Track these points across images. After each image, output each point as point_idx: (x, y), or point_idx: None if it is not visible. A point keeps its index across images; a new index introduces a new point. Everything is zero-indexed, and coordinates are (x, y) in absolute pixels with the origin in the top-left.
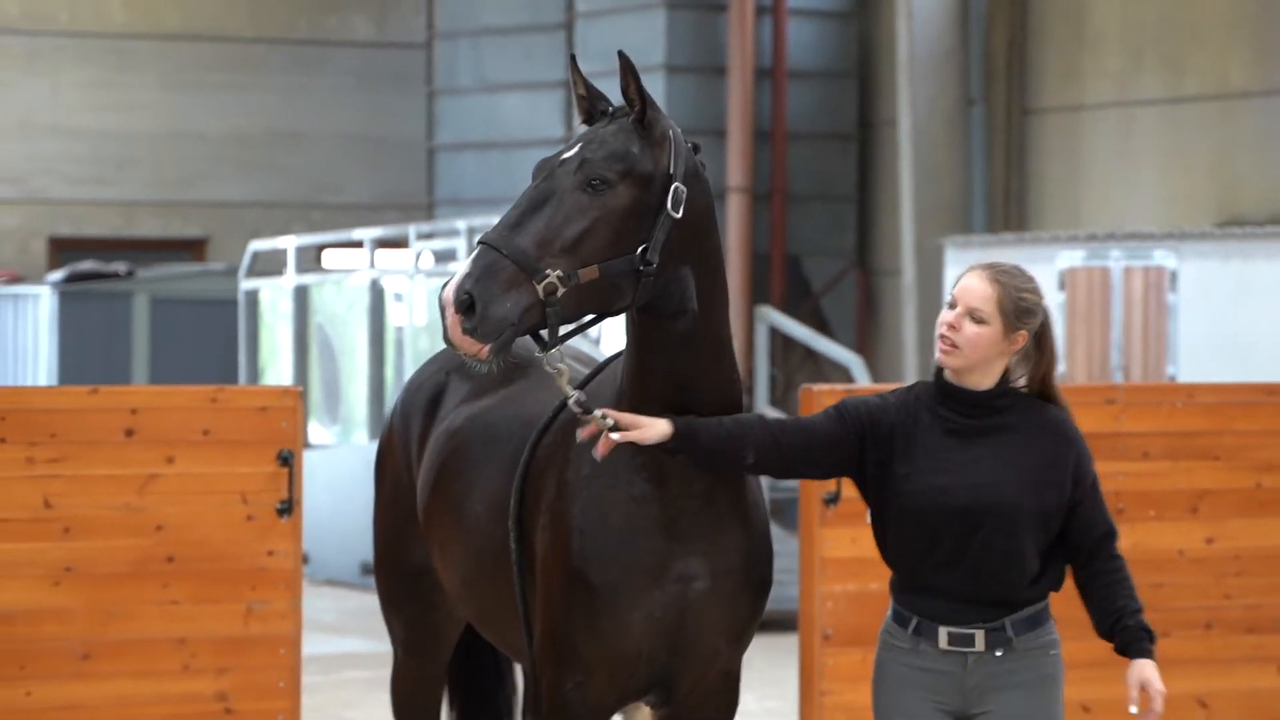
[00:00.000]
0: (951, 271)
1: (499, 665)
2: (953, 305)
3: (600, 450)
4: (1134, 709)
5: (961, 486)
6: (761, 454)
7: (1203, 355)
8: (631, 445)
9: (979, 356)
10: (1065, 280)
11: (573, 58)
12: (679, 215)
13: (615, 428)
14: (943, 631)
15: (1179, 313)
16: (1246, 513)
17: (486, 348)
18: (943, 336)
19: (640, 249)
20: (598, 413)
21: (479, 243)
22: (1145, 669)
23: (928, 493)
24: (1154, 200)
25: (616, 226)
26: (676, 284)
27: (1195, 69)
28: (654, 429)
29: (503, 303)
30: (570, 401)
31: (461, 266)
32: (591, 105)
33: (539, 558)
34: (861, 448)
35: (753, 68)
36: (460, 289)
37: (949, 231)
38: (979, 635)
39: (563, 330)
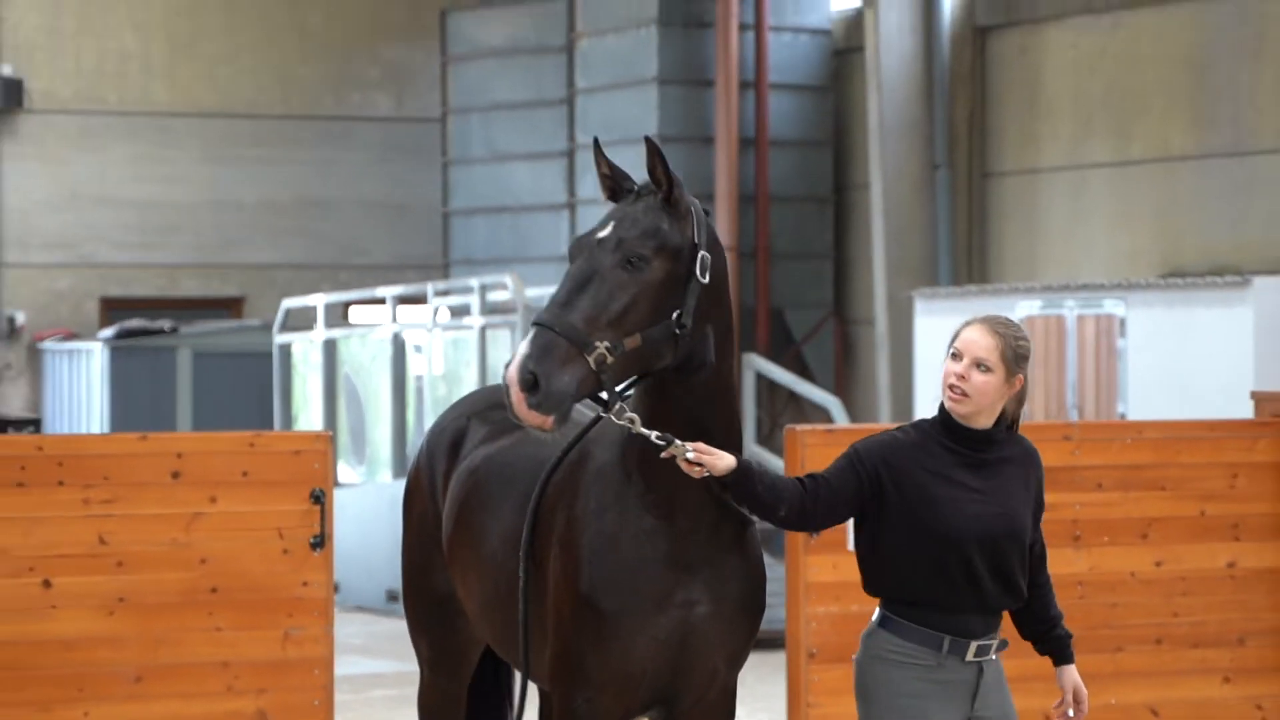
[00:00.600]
0: (921, 320)
1: (506, 683)
2: (957, 357)
3: (686, 470)
4: (1070, 712)
5: (989, 514)
6: (790, 512)
7: (1150, 394)
8: (644, 481)
9: (987, 402)
10: (1024, 327)
11: (596, 141)
12: (706, 280)
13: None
14: (972, 645)
15: (1128, 356)
16: (1191, 538)
17: (551, 419)
18: (952, 386)
19: (675, 314)
20: (677, 442)
21: (534, 324)
22: (1074, 674)
23: (961, 520)
24: (1104, 254)
25: (654, 298)
26: (701, 341)
27: (1139, 135)
28: (723, 461)
29: (561, 377)
30: (653, 437)
31: (521, 347)
32: (616, 183)
33: (551, 585)
34: (877, 486)
35: (737, 137)
36: (524, 369)
37: (918, 284)
38: (994, 644)
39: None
